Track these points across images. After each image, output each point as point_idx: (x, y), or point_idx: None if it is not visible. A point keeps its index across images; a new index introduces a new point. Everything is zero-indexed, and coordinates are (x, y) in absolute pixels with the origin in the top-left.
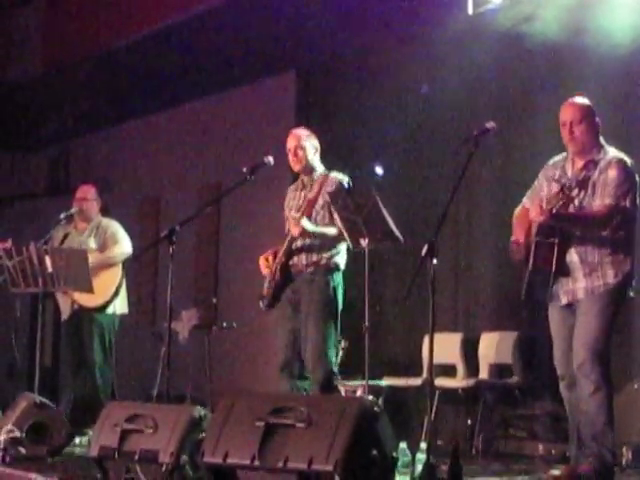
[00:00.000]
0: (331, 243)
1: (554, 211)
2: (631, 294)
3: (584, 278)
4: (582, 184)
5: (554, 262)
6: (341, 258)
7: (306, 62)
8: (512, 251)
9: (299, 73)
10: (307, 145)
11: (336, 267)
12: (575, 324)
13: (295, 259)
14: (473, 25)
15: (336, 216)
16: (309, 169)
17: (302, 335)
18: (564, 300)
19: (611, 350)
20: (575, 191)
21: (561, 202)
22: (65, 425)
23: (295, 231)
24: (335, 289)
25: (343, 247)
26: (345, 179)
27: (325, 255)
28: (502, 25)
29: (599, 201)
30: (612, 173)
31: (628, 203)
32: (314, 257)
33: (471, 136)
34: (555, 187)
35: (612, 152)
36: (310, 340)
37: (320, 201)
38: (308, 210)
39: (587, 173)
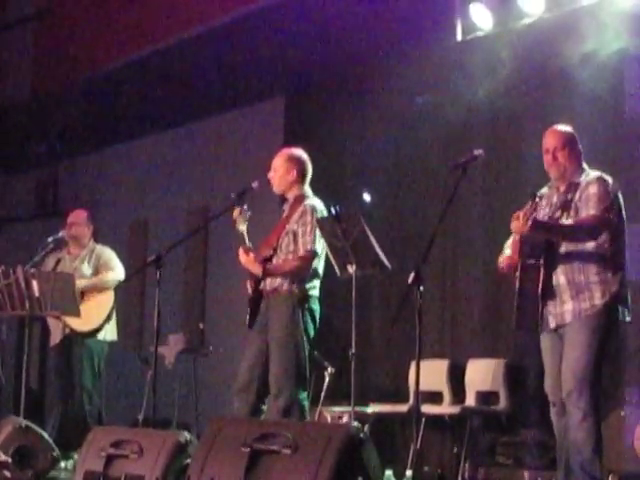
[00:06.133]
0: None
1: (531, 220)
2: (627, 319)
3: (571, 300)
4: (565, 206)
5: (540, 285)
6: (310, 283)
7: (295, 88)
8: (500, 264)
9: (288, 99)
10: (281, 168)
11: (302, 293)
12: (564, 350)
13: (262, 284)
14: (462, 52)
15: (300, 242)
16: (283, 192)
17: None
18: (552, 324)
19: (602, 376)
20: (558, 213)
21: (534, 211)
22: (51, 449)
23: (256, 271)
24: (299, 315)
25: (314, 274)
26: (319, 205)
27: (288, 281)
28: (490, 52)
29: (584, 215)
30: (592, 189)
31: (612, 216)
32: (276, 282)
33: (459, 163)
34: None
35: (592, 173)
36: (272, 367)
37: (286, 228)
38: (274, 238)
39: (570, 196)
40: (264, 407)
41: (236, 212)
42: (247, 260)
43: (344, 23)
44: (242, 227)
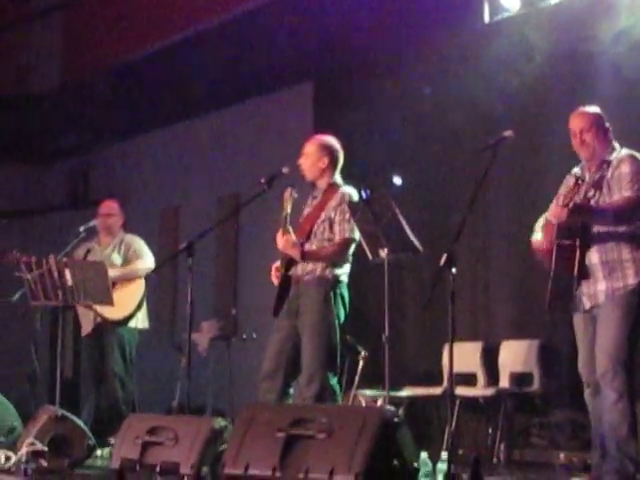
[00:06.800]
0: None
1: (571, 205)
2: None
3: (604, 280)
4: (597, 184)
5: (576, 265)
6: (341, 269)
7: (324, 73)
8: (533, 251)
9: (317, 84)
10: (313, 155)
11: (334, 278)
12: (597, 331)
13: (293, 269)
14: (489, 34)
15: (337, 229)
16: (314, 178)
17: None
18: (587, 304)
19: (635, 356)
20: (591, 192)
21: (576, 194)
22: (86, 437)
23: (294, 254)
24: (332, 300)
25: (345, 259)
26: (354, 193)
27: (321, 265)
28: (519, 33)
29: (617, 196)
30: (625, 168)
31: None
32: (309, 267)
33: (489, 145)
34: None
35: (624, 151)
36: (304, 353)
37: (322, 215)
38: (309, 225)
39: (601, 173)
40: (291, 391)
41: (287, 193)
42: (286, 243)
43: (372, 7)
44: (289, 209)
